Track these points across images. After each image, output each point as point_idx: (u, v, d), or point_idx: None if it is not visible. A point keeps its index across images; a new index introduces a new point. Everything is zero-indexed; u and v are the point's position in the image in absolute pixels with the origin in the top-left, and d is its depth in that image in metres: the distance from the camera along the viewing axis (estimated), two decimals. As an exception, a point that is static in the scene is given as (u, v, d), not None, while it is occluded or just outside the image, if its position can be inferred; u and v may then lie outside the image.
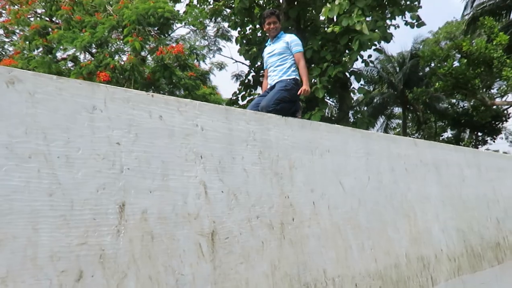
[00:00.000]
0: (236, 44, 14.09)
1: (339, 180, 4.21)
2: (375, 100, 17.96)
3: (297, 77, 4.19)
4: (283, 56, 4.09)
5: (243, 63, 16.11)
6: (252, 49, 13.73)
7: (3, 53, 15.78)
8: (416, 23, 11.88)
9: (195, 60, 14.98)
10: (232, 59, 19.04)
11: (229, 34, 16.20)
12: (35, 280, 2.24)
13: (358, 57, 11.44)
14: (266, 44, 4.37)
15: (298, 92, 4.11)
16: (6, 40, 15.88)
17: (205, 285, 2.92)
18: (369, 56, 13.24)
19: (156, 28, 13.90)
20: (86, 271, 2.43)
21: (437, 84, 14.81)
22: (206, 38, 16.07)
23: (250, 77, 14.50)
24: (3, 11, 14.84)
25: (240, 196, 3.32)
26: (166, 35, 14.80)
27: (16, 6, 14.26)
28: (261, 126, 3.66)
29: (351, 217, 4.21)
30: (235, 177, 3.33)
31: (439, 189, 5.70)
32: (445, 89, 14.33)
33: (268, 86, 4.11)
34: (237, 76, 15.86)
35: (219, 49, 16.54)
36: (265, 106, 3.89)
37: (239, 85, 14.47)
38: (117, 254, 2.57)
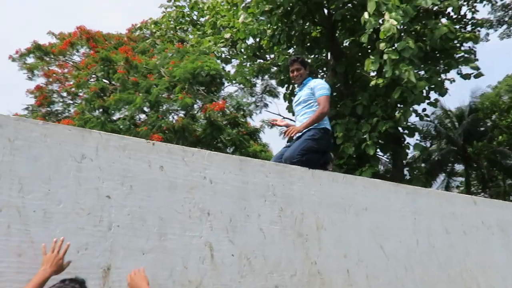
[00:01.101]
0: (284, 100, 13.99)
1: (380, 243, 3.60)
2: (433, 157, 16.86)
3: (328, 127, 3.76)
4: (308, 103, 3.71)
5: (291, 119, 15.91)
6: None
7: (68, 115, 16.69)
8: (474, 74, 11.16)
9: (243, 117, 15.00)
10: (280, 115, 18.94)
11: (276, 90, 16.23)
12: None
13: (412, 111, 10.86)
14: (295, 92, 4.04)
15: (284, 131, 3.69)
16: (71, 102, 16.89)
17: None
18: (424, 110, 12.53)
19: (204, 87, 14.20)
20: None
21: (500, 137, 13.63)
22: (253, 95, 16.18)
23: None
24: (68, 76, 15.94)
25: (254, 261, 2.84)
26: (215, 93, 15.07)
27: (78, 71, 15.28)
28: (282, 179, 3.23)
29: (395, 289, 3.53)
30: (249, 238, 2.87)
31: (508, 256, 4.81)
32: (510, 142, 13.13)
33: (295, 137, 3.72)
34: (283, 135, 15.62)
35: (266, 105, 16.53)
36: (289, 157, 3.47)
37: (287, 142, 14.17)
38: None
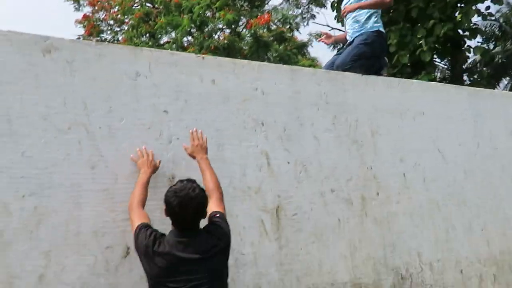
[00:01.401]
0: (332, 10, 13.25)
1: (438, 147, 3.53)
2: (496, 59, 15.64)
3: (381, 29, 3.54)
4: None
5: (340, 30, 15.15)
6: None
7: (116, 42, 16.92)
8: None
9: (290, 32, 14.49)
10: (328, 26, 18.02)
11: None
12: (79, 256, 2.14)
13: (475, 11, 9.98)
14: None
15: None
16: (118, 29, 17.02)
17: (269, 266, 2.60)
18: (487, 8, 11.43)
19: (247, 2, 13.72)
20: (133, 248, 2.26)
21: None
22: (299, 6, 15.41)
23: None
24: (112, 3, 15.91)
25: (310, 167, 2.90)
26: (258, 8, 14.53)
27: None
28: (335, 86, 3.16)
29: (454, 192, 3.51)
30: (304, 146, 2.92)
31: None
32: None
33: (347, 42, 3.56)
34: (334, 45, 14.98)
35: (313, 16, 15.74)
36: (341, 63, 3.35)
37: (336, 53, 13.65)
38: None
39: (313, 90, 3.07)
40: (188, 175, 2.40)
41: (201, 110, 2.61)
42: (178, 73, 2.59)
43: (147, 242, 1.92)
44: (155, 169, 2.31)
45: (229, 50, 13.57)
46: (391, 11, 11.29)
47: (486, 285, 3.48)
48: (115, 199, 2.28)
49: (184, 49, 13.94)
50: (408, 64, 10.68)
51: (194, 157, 2.35)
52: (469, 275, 3.41)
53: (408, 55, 10.34)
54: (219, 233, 2.01)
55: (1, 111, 2.09)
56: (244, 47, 14.59)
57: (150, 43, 13.53)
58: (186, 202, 1.91)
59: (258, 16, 13.21)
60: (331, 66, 3.51)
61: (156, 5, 14.55)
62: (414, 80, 3.70)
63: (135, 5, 15.48)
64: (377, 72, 3.52)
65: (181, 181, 2.02)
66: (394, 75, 10.30)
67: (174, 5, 14.02)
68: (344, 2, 3.71)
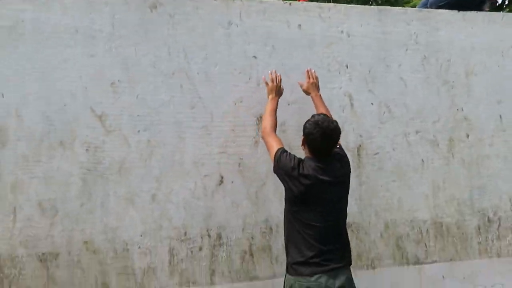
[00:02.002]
0: None
1: (545, 87, 3.27)
2: None
3: (485, -43, 3.27)
4: None
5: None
6: None
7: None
8: None
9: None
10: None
11: None
12: (183, 182, 2.58)
13: None
14: None
15: None
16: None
17: (349, 200, 2.82)
18: None
19: None
20: (226, 177, 2.65)
21: None
22: None
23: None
24: None
25: (394, 109, 2.96)
26: None
27: None
28: (426, 26, 3.08)
29: (561, 135, 3.27)
30: (389, 88, 2.97)
31: None
32: None
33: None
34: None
35: None
36: (435, 0, 3.21)
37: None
38: (255, 164, 2.71)
39: (402, 30, 3.04)
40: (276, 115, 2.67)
41: (288, 55, 2.80)
42: (267, 20, 2.79)
43: (293, 164, 2.20)
44: (281, 94, 2.60)
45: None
46: None
47: None
48: (212, 135, 2.65)
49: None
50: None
51: (308, 93, 2.66)
52: None
53: None
54: (346, 162, 2.35)
55: (119, 60, 2.53)
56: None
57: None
58: (328, 132, 2.20)
59: None
60: (425, 4, 3.38)
61: None
62: (524, 14, 3.37)
63: None
64: (478, 8, 3.30)
65: (318, 114, 2.32)
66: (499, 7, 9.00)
67: None
68: None
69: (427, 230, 2.94)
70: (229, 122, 2.68)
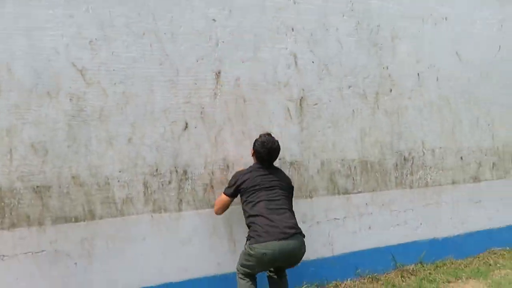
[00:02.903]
0: None
1: (456, 50, 3.94)
2: None
3: None
4: None
5: None
6: None
7: None
8: None
9: None
10: None
11: None
12: (154, 127, 3.06)
13: None
14: None
15: None
16: None
17: (292, 143, 3.42)
18: None
19: None
20: (190, 123, 3.15)
21: None
22: None
23: None
24: None
25: (331, 67, 3.53)
26: None
27: None
28: (361, -5, 3.62)
29: (466, 90, 4.00)
30: (328, 49, 3.52)
31: None
32: None
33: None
34: None
35: None
36: (371, -27, 3.73)
37: None
38: (214, 112, 3.22)
39: (341, -1, 3.55)
40: (231, 70, 3.17)
41: (242, 19, 3.26)
42: (224, -12, 3.20)
43: (241, 180, 2.93)
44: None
45: None
46: None
47: (484, 170, 4.11)
48: (177, 88, 3.11)
49: None
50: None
51: None
52: (468, 161, 4.04)
53: None
54: (286, 177, 3.08)
55: (96, 21, 2.90)
56: None
57: None
58: (271, 151, 2.93)
59: None
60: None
61: None
62: (442, -13, 3.96)
63: None
64: (405, -20, 3.85)
65: (264, 135, 2.97)
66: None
67: None
68: None
69: (355, 167, 3.62)
70: (192, 77, 3.14)
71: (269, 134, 3.00)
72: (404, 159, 3.80)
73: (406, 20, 3.75)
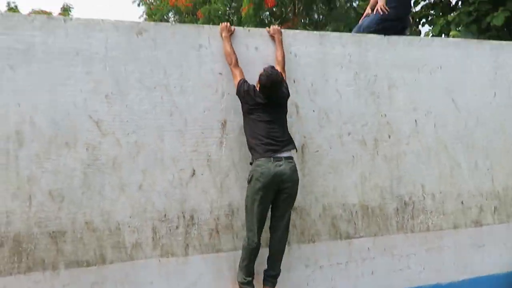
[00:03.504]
0: None
1: (452, 97, 4.12)
2: None
3: (406, -7, 4.06)
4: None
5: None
6: None
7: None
8: None
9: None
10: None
11: None
12: (163, 174, 3.25)
13: None
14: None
15: (374, 11, 4.02)
16: None
17: (295, 188, 3.56)
18: None
19: None
20: (198, 170, 3.33)
21: None
22: None
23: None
24: None
25: (331, 115, 3.72)
26: None
27: None
28: (359, 48, 3.85)
29: (463, 136, 4.14)
30: (327, 98, 3.72)
31: None
32: None
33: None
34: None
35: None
36: (367, 26, 3.97)
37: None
38: (220, 159, 3.40)
39: (339, 51, 3.79)
40: (236, 120, 3.37)
41: (247, 72, 3.47)
42: (230, 43, 3.47)
43: (248, 89, 3.20)
44: (231, 33, 3.44)
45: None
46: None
47: (486, 215, 4.18)
48: (185, 137, 3.32)
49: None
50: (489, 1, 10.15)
51: (273, 37, 3.55)
52: (469, 206, 4.13)
53: None
54: (286, 90, 3.33)
55: (112, 76, 3.15)
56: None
57: None
58: (273, 83, 3.15)
59: None
60: (359, 28, 4.15)
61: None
62: (436, 38, 4.21)
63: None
64: (401, 32, 4.09)
65: (268, 68, 3.19)
66: (469, 12, 9.98)
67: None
68: None
69: (356, 211, 3.74)
70: (199, 127, 3.35)
71: (272, 67, 3.24)
72: (405, 203, 3.90)
73: (402, 70, 3.96)
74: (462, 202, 4.11)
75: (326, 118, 3.70)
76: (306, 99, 3.66)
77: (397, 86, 3.95)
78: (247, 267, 3.18)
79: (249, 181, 3.14)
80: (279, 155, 3.12)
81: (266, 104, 3.17)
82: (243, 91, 3.21)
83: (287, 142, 3.22)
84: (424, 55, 4.06)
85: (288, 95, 3.33)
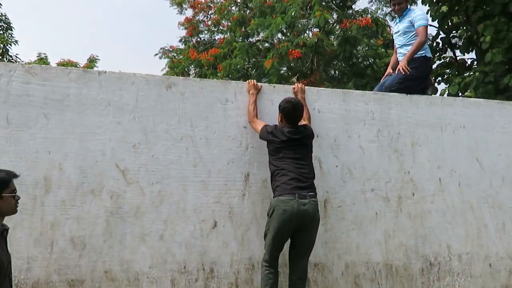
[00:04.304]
0: (423, 4, 13.23)
1: (476, 156, 4.09)
2: None
3: (427, 54, 4.16)
4: (408, 35, 4.12)
5: (430, 25, 14.94)
6: (441, 8, 12.66)
7: (214, 44, 18.31)
8: None
9: (377, 30, 14.73)
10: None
11: (412, -5, 15.24)
12: (185, 225, 3.24)
13: None
14: (395, 22, 4.43)
15: (396, 70, 4.11)
16: (215, 29, 18.53)
17: (316, 243, 3.47)
18: None
19: (338, 0, 14.38)
20: (219, 222, 3.31)
21: None
22: (387, 4, 15.54)
23: (438, 40, 13.47)
24: (211, 5, 17.39)
25: (354, 171, 3.71)
26: (350, 8, 15.02)
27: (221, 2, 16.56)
28: (381, 105, 3.91)
29: (489, 195, 4.05)
30: (350, 154, 3.73)
31: None
32: None
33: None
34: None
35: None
36: (389, 85, 4.05)
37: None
38: (242, 212, 3.38)
39: (362, 108, 3.85)
40: (259, 173, 3.39)
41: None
42: (257, 99, 3.56)
43: (272, 130, 3.25)
44: (259, 90, 3.55)
45: (317, 48, 14.37)
46: (486, 6, 10.98)
47: (516, 279, 4.00)
48: (209, 188, 3.33)
49: (274, 45, 14.96)
50: (504, 61, 10.32)
51: (296, 95, 3.59)
52: (498, 269, 3.96)
53: (502, 54, 10.01)
54: (310, 130, 3.37)
55: (140, 127, 3.25)
56: (333, 43, 15.22)
57: (245, 44, 14.82)
58: (295, 106, 3.27)
59: (358, 18, 13.88)
60: (381, 87, 4.23)
61: (251, 7, 15.71)
62: (458, 98, 4.25)
63: (233, 8, 16.76)
64: (422, 92, 4.16)
65: (288, 98, 3.36)
66: (485, 73, 10.19)
67: (267, 7, 15.12)
68: (394, 30, 4.39)
69: (380, 270, 3.62)
70: (223, 178, 3.38)
71: (293, 98, 3.42)
72: (430, 264, 3.77)
73: (425, 128, 3.98)
74: (490, 265, 3.95)
75: (349, 174, 3.69)
76: (329, 154, 3.68)
77: (420, 144, 3.95)
78: None
79: (269, 215, 3.10)
80: (305, 193, 3.07)
81: (292, 141, 3.19)
82: (268, 132, 3.25)
83: (313, 180, 3.22)
84: (447, 114, 4.09)
85: (313, 135, 3.37)
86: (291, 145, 3.19)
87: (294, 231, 3.09)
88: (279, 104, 3.29)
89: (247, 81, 3.60)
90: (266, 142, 3.30)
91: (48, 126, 3.07)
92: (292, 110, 3.24)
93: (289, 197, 3.02)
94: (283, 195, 3.04)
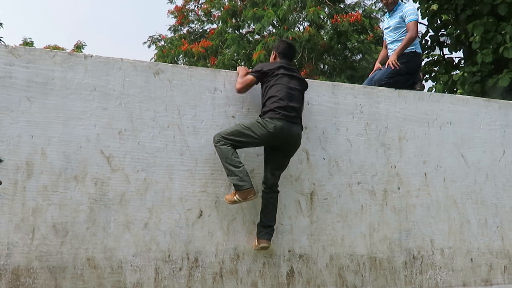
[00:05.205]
0: (414, 1, 13.27)
1: (461, 153, 4.13)
2: None
3: (417, 50, 4.17)
4: (398, 31, 4.12)
5: (420, 23, 15.03)
6: (431, 6, 12.72)
7: (205, 35, 18.14)
8: None
9: (370, 26, 14.75)
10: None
11: (404, -11, 15.28)
12: (170, 213, 3.20)
13: None
14: (385, 17, 4.44)
15: (385, 65, 4.12)
16: (205, 19, 18.36)
17: (302, 235, 3.50)
18: None
19: (330, -3, 14.35)
20: (205, 212, 3.29)
21: None
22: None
23: (427, 38, 13.55)
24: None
25: (341, 164, 3.72)
26: (340, 2, 15.00)
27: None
28: (370, 99, 3.91)
29: (472, 192, 4.10)
30: (338, 146, 3.73)
31: None
32: None
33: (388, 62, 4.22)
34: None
35: (394, 9, 15.81)
36: (378, 79, 4.06)
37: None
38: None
39: (350, 102, 3.85)
40: (246, 163, 3.35)
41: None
42: (244, 89, 3.52)
43: (263, 65, 3.39)
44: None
45: (308, 43, 14.35)
46: (475, 5, 11.05)
47: (495, 274, 4.06)
48: (195, 177, 3.30)
49: (264, 38, 14.90)
50: (491, 62, 10.39)
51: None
52: (479, 263, 4.02)
53: (491, 53, 10.05)
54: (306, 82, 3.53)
55: (126, 113, 3.19)
56: (324, 37, 15.21)
57: (236, 35, 14.75)
58: (291, 44, 3.59)
59: (349, 13, 13.91)
60: (371, 81, 4.23)
61: (243, -2, 15.58)
62: (446, 94, 4.27)
63: (224, -1, 16.56)
64: (411, 87, 4.17)
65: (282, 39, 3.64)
66: (473, 73, 10.27)
67: (259, -2, 15.02)
68: (384, 25, 4.38)
69: (364, 263, 3.64)
70: (210, 168, 3.35)
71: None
72: (413, 257, 3.80)
73: (413, 123, 3.99)
74: (471, 259, 4.00)
75: (336, 167, 3.69)
76: (317, 146, 3.67)
77: (407, 139, 3.97)
78: (237, 171, 3.12)
79: (258, 122, 3.20)
80: (293, 120, 3.23)
81: (288, 70, 3.32)
82: (260, 67, 3.36)
83: (300, 114, 3.34)
84: (434, 110, 4.11)
85: (307, 87, 3.50)
86: (286, 74, 3.31)
87: (271, 148, 3.26)
88: (272, 46, 3.36)
89: (238, 66, 3.60)
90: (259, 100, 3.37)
91: (31, 110, 2.99)
92: (288, 46, 3.48)
93: (279, 122, 3.15)
94: (273, 119, 3.15)
